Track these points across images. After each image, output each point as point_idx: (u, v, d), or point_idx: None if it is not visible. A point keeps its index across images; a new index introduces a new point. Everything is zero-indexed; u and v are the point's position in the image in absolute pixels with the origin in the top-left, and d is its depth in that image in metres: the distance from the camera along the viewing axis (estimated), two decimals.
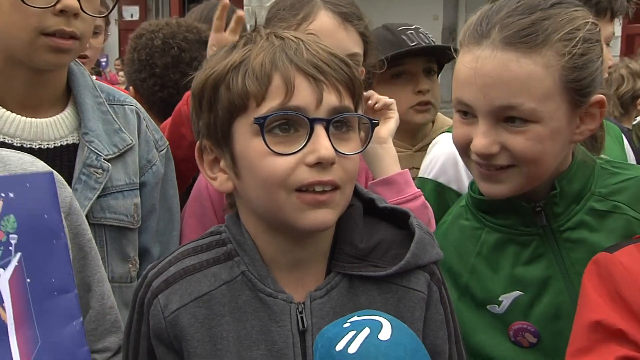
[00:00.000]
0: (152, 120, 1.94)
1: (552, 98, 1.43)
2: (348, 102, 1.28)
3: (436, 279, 1.38)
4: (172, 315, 1.29)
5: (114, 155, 1.77)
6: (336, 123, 1.26)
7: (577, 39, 1.43)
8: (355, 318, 1.09)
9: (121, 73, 10.27)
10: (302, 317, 1.29)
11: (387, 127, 1.93)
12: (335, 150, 1.24)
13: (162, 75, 2.37)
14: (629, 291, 1.34)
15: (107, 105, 1.82)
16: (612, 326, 1.33)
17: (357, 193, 1.40)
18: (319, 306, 1.30)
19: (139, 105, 1.92)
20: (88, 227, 1.48)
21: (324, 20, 1.80)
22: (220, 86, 1.27)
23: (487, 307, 1.59)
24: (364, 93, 1.82)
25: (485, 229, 1.63)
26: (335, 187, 1.25)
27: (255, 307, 1.30)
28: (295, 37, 1.30)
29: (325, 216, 1.25)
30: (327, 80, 1.25)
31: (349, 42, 1.84)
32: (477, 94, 1.44)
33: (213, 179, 1.35)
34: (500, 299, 1.58)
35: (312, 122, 1.23)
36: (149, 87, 2.40)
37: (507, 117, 1.44)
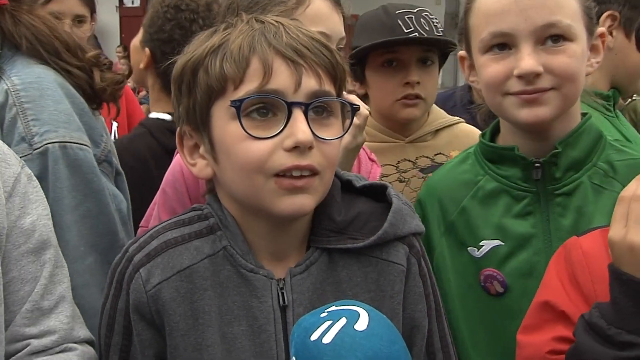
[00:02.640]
0: (45, 106, 1.55)
1: (578, 19, 1.55)
2: (328, 87, 1.27)
3: (415, 251, 1.38)
4: (153, 290, 1.28)
5: None
6: (316, 108, 1.25)
7: None
8: (333, 308, 1.10)
9: (123, 60, 10.10)
10: (282, 293, 1.30)
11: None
12: (315, 135, 1.23)
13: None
14: (581, 275, 1.38)
15: None
16: (557, 307, 1.39)
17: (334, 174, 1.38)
18: (299, 282, 1.31)
19: (24, 87, 1.55)
20: (35, 210, 1.36)
21: (320, 4, 1.71)
22: (199, 70, 1.27)
23: (468, 248, 1.67)
24: None
25: (485, 177, 1.68)
26: (313, 173, 1.24)
27: (236, 282, 1.30)
28: (276, 21, 1.28)
29: (304, 201, 1.24)
30: (307, 63, 1.24)
31: (340, 26, 1.75)
32: (518, 19, 1.51)
33: (192, 165, 1.34)
34: (481, 243, 1.65)
35: (290, 105, 1.22)
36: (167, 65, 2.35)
37: (546, 38, 1.52)
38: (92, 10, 3.15)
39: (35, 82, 1.57)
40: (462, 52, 1.71)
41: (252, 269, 1.31)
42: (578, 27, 1.54)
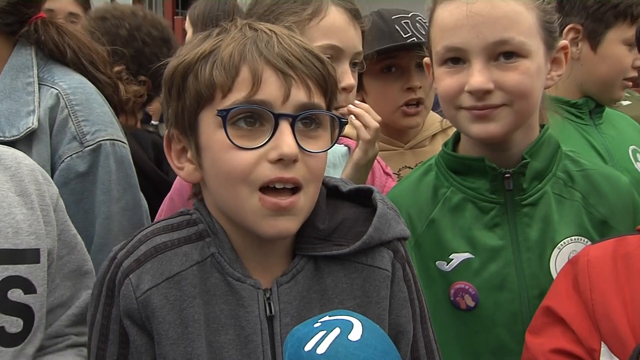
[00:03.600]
0: (94, 109, 1.72)
1: (534, 35, 1.53)
2: (318, 99, 1.27)
3: (400, 256, 1.38)
4: (143, 296, 1.26)
5: (12, 139, 1.61)
6: (304, 120, 1.25)
7: None
8: (326, 318, 1.09)
9: None
10: (269, 303, 1.29)
11: (347, 167, 1.78)
12: (301, 147, 1.23)
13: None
14: (582, 282, 1.40)
15: (36, 85, 1.68)
16: (557, 313, 1.40)
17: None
18: (285, 291, 1.30)
19: (71, 91, 1.70)
20: (71, 223, 1.48)
21: (335, 16, 1.71)
22: (189, 75, 1.26)
23: (436, 262, 1.64)
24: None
25: (451, 188, 1.66)
26: (297, 187, 1.24)
27: (223, 290, 1.29)
28: (270, 30, 1.27)
29: (287, 225, 1.24)
30: (297, 75, 1.23)
31: (357, 40, 1.75)
32: (470, 34, 1.50)
33: (180, 169, 1.33)
34: (450, 257, 1.63)
35: (277, 117, 1.22)
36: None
37: (499, 54, 1.51)
38: (86, 10, 3.18)
39: (80, 87, 1.72)
40: (427, 60, 1.71)
41: (239, 278, 1.29)
42: (533, 43, 1.53)
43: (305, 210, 1.27)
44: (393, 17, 2.23)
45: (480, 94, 1.51)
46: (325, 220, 1.33)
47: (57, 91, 1.69)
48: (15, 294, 1.32)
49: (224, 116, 1.21)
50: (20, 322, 1.33)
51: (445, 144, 1.72)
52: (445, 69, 1.57)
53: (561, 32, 2.08)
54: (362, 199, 1.39)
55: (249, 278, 1.30)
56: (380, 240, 1.33)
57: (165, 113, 1.34)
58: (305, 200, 1.26)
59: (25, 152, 1.57)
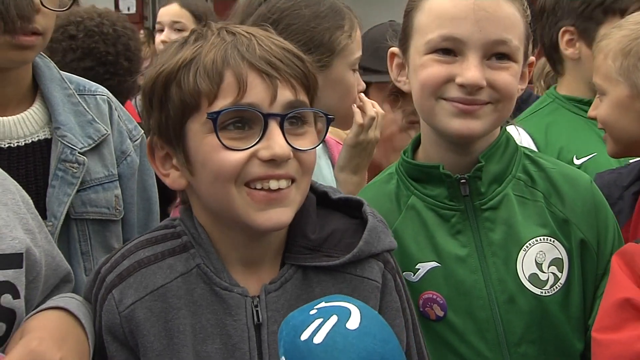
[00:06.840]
0: (124, 109, 1.91)
1: (522, 42, 1.56)
2: (303, 97, 1.28)
3: (390, 267, 1.39)
4: (127, 310, 1.26)
5: (89, 148, 1.75)
6: (291, 119, 1.26)
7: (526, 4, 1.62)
8: (322, 304, 1.04)
9: None
10: (257, 311, 1.28)
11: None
12: (291, 146, 1.24)
13: (115, 62, 2.40)
14: None
15: (77, 96, 1.78)
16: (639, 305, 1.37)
17: (310, 186, 1.39)
18: (273, 299, 1.30)
19: (110, 95, 1.88)
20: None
21: (358, 30, 1.81)
22: (171, 84, 1.25)
23: (403, 273, 1.58)
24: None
25: (412, 196, 1.64)
26: (291, 181, 1.25)
27: (210, 300, 1.28)
28: (248, 33, 1.28)
29: (281, 215, 1.24)
30: (281, 75, 1.24)
31: None
32: (473, 28, 1.49)
33: (165, 176, 1.33)
34: (417, 266, 1.59)
35: (267, 117, 1.23)
36: (98, 75, 2.37)
37: (493, 54, 1.52)
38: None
39: (107, 91, 1.90)
40: (394, 49, 1.67)
41: (226, 287, 1.29)
42: (522, 49, 1.55)
43: (297, 202, 1.27)
44: None
45: (473, 89, 1.50)
46: (315, 230, 1.34)
47: (106, 97, 1.86)
48: (6, 299, 1.29)
49: (215, 119, 1.20)
50: (4, 326, 1.29)
51: (404, 152, 1.69)
52: (435, 56, 1.53)
53: (555, 35, 2.25)
54: (351, 209, 1.40)
55: (237, 286, 1.29)
56: (370, 253, 1.34)
57: (145, 122, 1.33)
58: (296, 193, 1.27)
59: (97, 154, 1.78)
